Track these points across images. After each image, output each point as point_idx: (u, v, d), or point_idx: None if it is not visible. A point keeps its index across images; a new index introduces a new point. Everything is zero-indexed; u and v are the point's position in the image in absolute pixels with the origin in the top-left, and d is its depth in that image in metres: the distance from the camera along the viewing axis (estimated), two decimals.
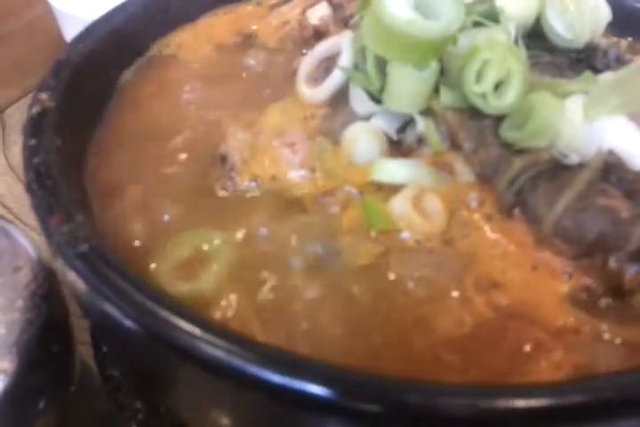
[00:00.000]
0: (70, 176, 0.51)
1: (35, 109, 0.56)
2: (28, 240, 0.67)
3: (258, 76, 0.75)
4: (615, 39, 0.73)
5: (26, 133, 0.51)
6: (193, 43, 0.81)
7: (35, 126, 0.54)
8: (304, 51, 0.76)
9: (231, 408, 0.44)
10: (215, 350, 0.38)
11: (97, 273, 0.42)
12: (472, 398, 0.34)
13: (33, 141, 0.50)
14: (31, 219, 0.52)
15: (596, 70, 0.63)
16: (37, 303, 0.61)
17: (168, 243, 0.53)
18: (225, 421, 0.46)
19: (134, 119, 0.69)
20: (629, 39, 0.73)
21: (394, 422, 0.37)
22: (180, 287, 0.49)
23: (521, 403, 0.34)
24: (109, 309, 0.42)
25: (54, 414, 0.64)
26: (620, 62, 0.65)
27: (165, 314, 0.40)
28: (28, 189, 0.47)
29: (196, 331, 0.39)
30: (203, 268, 0.51)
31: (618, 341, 0.44)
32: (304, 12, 0.83)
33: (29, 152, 0.49)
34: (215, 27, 0.85)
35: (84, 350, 0.73)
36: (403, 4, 0.55)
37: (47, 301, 0.62)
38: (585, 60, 0.64)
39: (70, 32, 1.15)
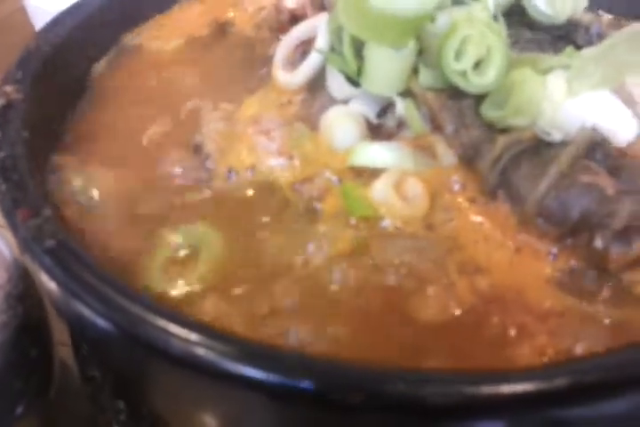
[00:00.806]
0: (38, 170, 0.49)
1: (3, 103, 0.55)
2: (2, 240, 0.65)
3: (234, 65, 0.73)
4: (598, 15, 0.71)
5: None
6: (167, 32, 0.79)
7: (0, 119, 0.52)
8: (281, 36, 0.74)
9: (211, 406, 0.43)
10: (188, 344, 0.37)
11: (65, 269, 0.41)
12: (450, 385, 0.33)
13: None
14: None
15: (578, 47, 0.61)
16: (12, 305, 0.59)
17: (155, 238, 0.52)
18: (206, 419, 0.45)
19: (108, 111, 0.67)
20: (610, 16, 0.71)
21: (376, 412, 0.35)
22: (168, 284, 0.47)
23: (503, 389, 0.33)
24: (80, 306, 0.40)
25: (34, 418, 0.62)
26: (602, 38, 0.64)
27: (137, 309, 0.39)
28: None
29: (170, 326, 0.38)
30: (189, 265, 0.49)
31: (605, 322, 0.43)
32: None
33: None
34: (189, 16, 0.83)
35: (65, 352, 0.71)
36: None
37: (23, 302, 0.60)
38: (566, 36, 0.62)
39: None
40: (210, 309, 0.45)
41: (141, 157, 0.60)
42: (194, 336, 0.38)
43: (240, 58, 0.75)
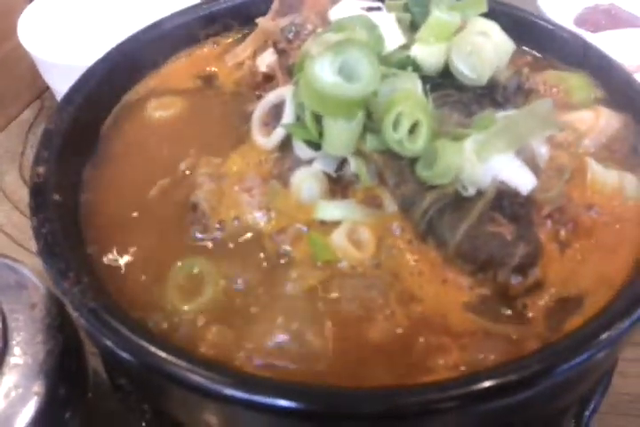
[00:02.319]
0: (71, 239, 0.63)
1: (35, 181, 0.68)
2: (37, 277, 0.79)
3: (219, 120, 0.87)
4: (520, 66, 0.85)
5: (32, 209, 0.64)
6: (159, 88, 0.92)
7: (38, 200, 0.66)
8: (257, 93, 0.87)
9: (213, 414, 0.58)
10: (192, 375, 0.52)
11: (103, 324, 0.56)
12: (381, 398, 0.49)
13: (40, 215, 0.63)
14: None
15: (498, 103, 0.76)
16: (54, 335, 0.74)
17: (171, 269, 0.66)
18: (211, 422, 0.60)
19: (113, 175, 0.79)
20: (529, 58, 0.85)
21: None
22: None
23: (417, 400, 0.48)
24: (113, 347, 0.55)
25: (78, 420, 0.78)
26: (519, 92, 0.78)
27: (153, 349, 0.54)
28: (41, 255, 0.59)
29: (179, 362, 0.53)
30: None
31: (505, 338, 0.58)
32: (255, 53, 0.94)
33: (38, 223, 0.62)
34: (177, 71, 0.95)
35: (94, 360, 0.87)
36: (327, 70, 0.67)
37: (62, 331, 0.75)
38: (488, 94, 0.76)
39: (50, 77, 1.25)
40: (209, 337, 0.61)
41: (145, 214, 0.74)
42: (194, 369, 0.53)
43: (224, 113, 0.88)
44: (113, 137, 0.85)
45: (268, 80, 0.87)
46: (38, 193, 0.66)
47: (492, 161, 0.65)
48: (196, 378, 0.51)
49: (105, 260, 0.67)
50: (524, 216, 0.64)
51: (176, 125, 0.87)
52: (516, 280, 0.61)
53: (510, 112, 0.66)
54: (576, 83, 0.85)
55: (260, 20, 0.93)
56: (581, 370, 0.53)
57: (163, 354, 0.53)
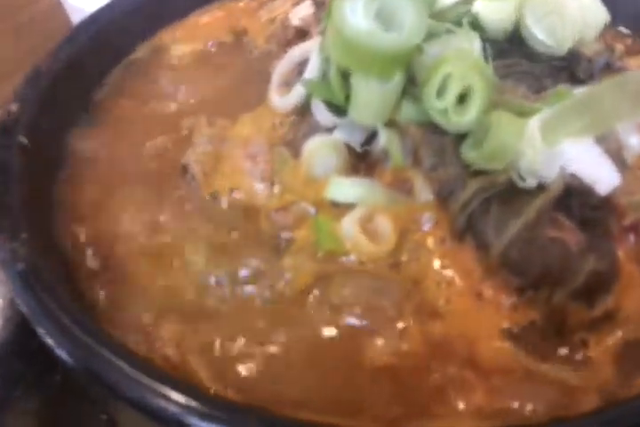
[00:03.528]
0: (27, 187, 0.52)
1: (3, 119, 0.58)
2: None
3: (240, 79, 0.75)
4: (612, 43, 0.68)
5: None
6: (180, 42, 0.80)
7: (2, 134, 0.55)
8: (287, 50, 0.74)
9: None
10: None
11: (32, 295, 0.44)
12: None
13: None
14: None
15: (579, 80, 0.59)
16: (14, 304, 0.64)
17: None
18: None
19: (104, 131, 0.68)
20: (626, 41, 0.68)
21: None
22: None
23: None
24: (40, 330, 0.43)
25: (35, 402, 0.67)
26: (609, 71, 0.61)
27: (89, 341, 0.41)
28: None
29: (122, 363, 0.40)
30: None
31: (552, 384, 0.42)
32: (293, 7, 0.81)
33: None
34: (205, 24, 0.84)
35: None
36: (362, 15, 0.52)
37: None
38: (567, 68, 0.60)
39: None
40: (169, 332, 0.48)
41: (133, 174, 0.63)
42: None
43: (247, 70, 0.76)
44: (116, 88, 0.74)
45: (301, 36, 0.74)
46: (3, 132, 0.55)
47: (563, 146, 0.49)
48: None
49: (63, 222, 0.55)
50: (598, 223, 0.48)
51: (191, 81, 0.76)
52: (577, 307, 0.45)
53: (592, 87, 0.50)
54: None
55: None
56: None
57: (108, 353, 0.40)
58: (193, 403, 0.39)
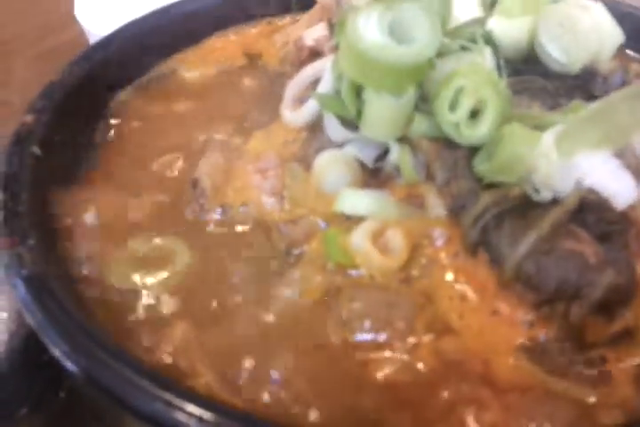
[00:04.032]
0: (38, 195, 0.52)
1: (18, 130, 0.58)
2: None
3: (253, 99, 0.75)
4: (627, 58, 0.67)
5: (6, 158, 0.53)
6: (195, 64, 0.82)
7: (14, 149, 0.56)
8: None
9: None
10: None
11: (36, 299, 0.43)
12: None
13: (12, 162, 0.52)
14: None
15: (594, 97, 0.59)
16: (22, 315, 0.63)
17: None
18: None
19: (126, 142, 0.69)
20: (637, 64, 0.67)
21: None
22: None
23: None
24: (44, 338, 0.42)
25: (40, 416, 0.65)
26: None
27: (96, 349, 0.40)
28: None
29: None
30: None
31: (571, 402, 0.40)
32: None
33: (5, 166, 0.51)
34: (220, 48, 0.85)
35: None
36: (375, 29, 0.53)
37: None
38: (582, 86, 0.60)
39: None
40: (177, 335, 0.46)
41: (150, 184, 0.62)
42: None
43: (260, 91, 0.77)
44: (127, 106, 0.74)
45: (315, 57, 0.74)
46: (17, 142, 0.55)
47: (579, 159, 0.48)
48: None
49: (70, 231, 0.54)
50: (615, 236, 0.46)
51: (203, 102, 0.76)
52: (596, 321, 0.43)
53: (608, 97, 0.49)
54: None
55: None
56: None
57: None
58: (206, 415, 0.37)
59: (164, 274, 0.50)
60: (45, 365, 0.67)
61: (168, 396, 0.38)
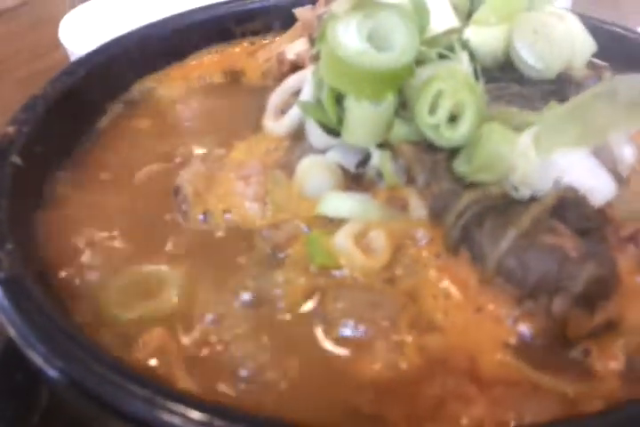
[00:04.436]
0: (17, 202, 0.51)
1: (1, 141, 0.58)
2: None
3: (236, 113, 0.76)
4: (602, 69, 0.69)
5: None
6: (177, 81, 0.83)
7: None
8: None
9: None
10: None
11: (12, 301, 0.42)
12: None
13: None
14: None
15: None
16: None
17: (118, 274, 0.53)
18: None
19: (109, 153, 0.69)
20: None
21: None
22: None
23: None
24: (21, 341, 0.41)
25: None
26: None
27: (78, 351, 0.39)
28: None
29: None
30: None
31: (555, 396, 0.40)
32: None
33: None
34: (203, 65, 0.86)
35: None
36: (355, 36, 0.54)
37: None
38: (558, 91, 0.61)
39: None
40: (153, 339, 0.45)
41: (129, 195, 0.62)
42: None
43: (243, 104, 0.78)
44: (113, 120, 0.75)
45: (296, 70, 0.76)
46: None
47: (557, 157, 0.49)
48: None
49: (53, 241, 0.54)
50: (594, 231, 0.47)
51: (187, 117, 0.77)
52: (578, 314, 0.43)
53: (583, 95, 0.50)
54: None
55: (298, 10, 0.83)
56: None
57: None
58: (194, 414, 0.36)
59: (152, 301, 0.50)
60: (18, 388, 0.66)
61: (154, 396, 0.37)
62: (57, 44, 1.35)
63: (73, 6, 1.30)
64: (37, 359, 0.40)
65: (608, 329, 0.44)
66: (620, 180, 0.51)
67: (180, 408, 0.36)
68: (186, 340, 0.46)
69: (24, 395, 0.66)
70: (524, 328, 0.44)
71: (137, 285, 0.51)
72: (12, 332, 0.43)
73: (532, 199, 0.49)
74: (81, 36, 1.19)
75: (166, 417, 0.36)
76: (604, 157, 0.51)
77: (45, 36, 1.33)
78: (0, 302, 0.42)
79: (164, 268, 0.53)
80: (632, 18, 1.15)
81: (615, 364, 0.42)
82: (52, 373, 0.39)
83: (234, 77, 0.85)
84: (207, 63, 0.87)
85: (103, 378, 0.38)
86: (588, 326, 0.43)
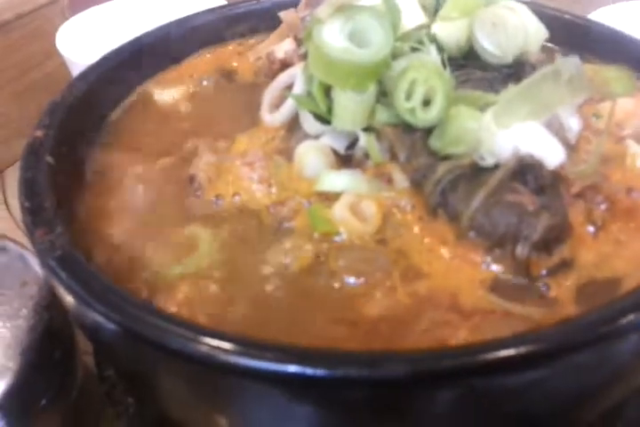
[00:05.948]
0: (57, 194, 0.60)
1: (30, 143, 0.66)
2: (34, 260, 0.76)
3: (233, 109, 0.84)
4: (554, 52, 0.79)
5: (23, 160, 0.61)
6: (178, 80, 0.91)
7: (30, 159, 0.64)
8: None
9: (207, 399, 0.50)
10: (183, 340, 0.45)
11: (70, 273, 0.50)
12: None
13: (28, 172, 0.60)
14: None
15: None
16: (39, 312, 0.70)
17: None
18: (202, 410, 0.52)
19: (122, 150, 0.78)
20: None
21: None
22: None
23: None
24: (81, 305, 0.50)
25: (56, 413, 0.71)
26: None
27: (134, 310, 0.48)
28: (21, 206, 0.56)
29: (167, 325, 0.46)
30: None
31: (522, 320, 0.49)
32: None
33: (24, 180, 0.59)
34: (198, 66, 0.94)
35: (90, 360, 0.81)
36: (337, 35, 0.63)
37: (49, 310, 0.71)
38: (515, 74, 0.70)
39: None
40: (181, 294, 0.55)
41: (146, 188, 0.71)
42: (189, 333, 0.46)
43: (238, 101, 0.86)
44: (122, 121, 0.83)
45: (285, 67, 0.84)
46: (31, 153, 0.63)
47: (514, 129, 0.58)
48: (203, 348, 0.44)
49: (92, 223, 0.62)
50: (549, 189, 0.56)
51: (189, 115, 0.85)
52: (537, 257, 0.52)
53: (532, 76, 0.59)
54: (613, 74, 0.78)
55: (282, 13, 0.91)
56: (605, 356, 0.44)
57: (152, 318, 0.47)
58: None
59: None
60: (59, 362, 0.74)
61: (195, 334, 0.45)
62: (51, 56, 1.41)
63: (66, 19, 1.37)
64: (98, 318, 0.48)
65: (563, 267, 0.53)
66: (570, 146, 0.60)
67: (222, 344, 0.44)
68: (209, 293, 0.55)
69: (64, 370, 0.75)
70: (496, 269, 0.54)
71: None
72: (69, 300, 0.52)
73: (496, 166, 0.58)
74: (78, 44, 1.26)
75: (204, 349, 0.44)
76: (555, 127, 0.60)
77: (41, 47, 1.40)
78: (59, 274, 0.51)
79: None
80: (587, 5, 1.25)
81: (570, 293, 0.52)
82: (111, 326, 0.48)
83: (228, 76, 0.93)
84: (202, 64, 0.95)
85: (153, 325, 0.46)
86: (547, 265, 0.52)
